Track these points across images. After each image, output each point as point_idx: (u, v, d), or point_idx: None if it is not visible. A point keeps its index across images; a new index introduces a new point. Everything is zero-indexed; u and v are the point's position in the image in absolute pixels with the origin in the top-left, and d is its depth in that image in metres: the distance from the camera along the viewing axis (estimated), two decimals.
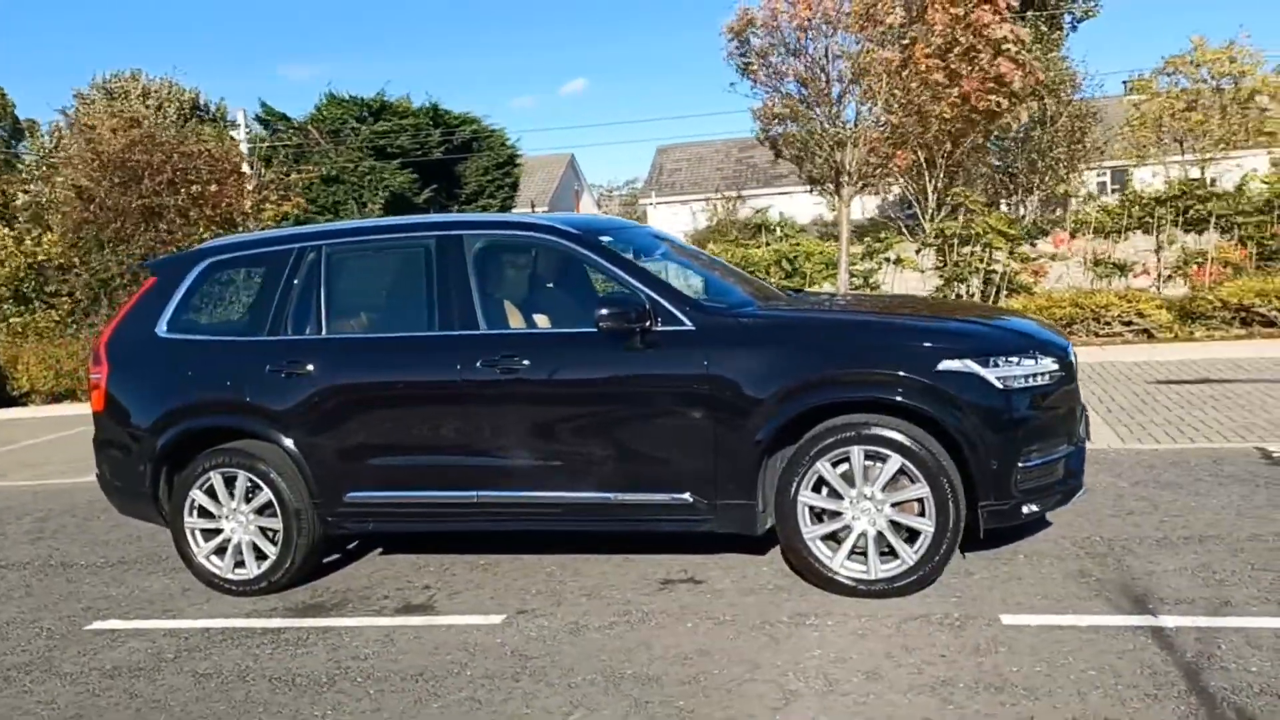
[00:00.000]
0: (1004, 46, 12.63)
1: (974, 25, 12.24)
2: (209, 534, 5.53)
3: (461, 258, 5.22)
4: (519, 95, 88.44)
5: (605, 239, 5.27)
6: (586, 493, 4.96)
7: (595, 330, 4.89)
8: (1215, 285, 13.05)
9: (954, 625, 4.28)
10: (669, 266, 5.86)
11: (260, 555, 5.46)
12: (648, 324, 4.79)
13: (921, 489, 4.50)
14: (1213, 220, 13.74)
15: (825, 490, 4.65)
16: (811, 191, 17.81)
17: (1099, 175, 33.63)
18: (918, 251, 15.21)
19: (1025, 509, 4.57)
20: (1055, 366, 4.66)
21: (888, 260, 15.30)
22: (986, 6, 12.32)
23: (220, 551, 5.52)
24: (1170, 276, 14.26)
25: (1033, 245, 15.29)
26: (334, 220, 24.86)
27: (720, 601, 4.78)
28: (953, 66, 12.49)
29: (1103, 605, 4.37)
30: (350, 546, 6.19)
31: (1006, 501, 4.51)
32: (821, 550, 4.67)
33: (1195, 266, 14.10)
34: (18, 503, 8.66)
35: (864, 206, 37.14)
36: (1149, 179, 26.33)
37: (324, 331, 5.40)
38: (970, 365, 4.48)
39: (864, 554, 4.65)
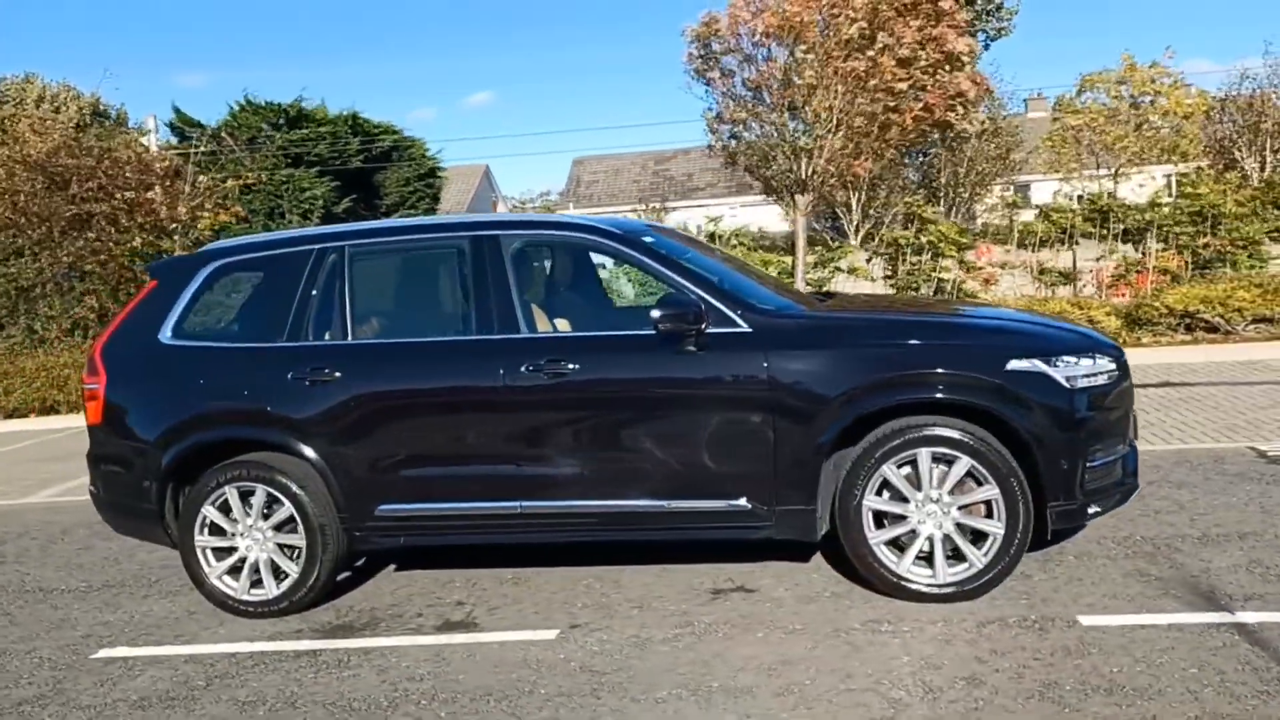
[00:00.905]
0: (962, 60, 12.88)
1: (938, 39, 12.44)
2: (221, 553, 5.20)
3: (500, 259, 5.00)
4: (419, 107, 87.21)
5: (648, 239, 5.12)
6: (638, 500, 4.79)
7: (647, 333, 4.74)
8: (1158, 292, 13.43)
9: (1034, 628, 4.22)
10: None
11: (279, 574, 5.14)
12: (703, 326, 4.65)
13: (991, 490, 4.44)
14: (1154, 230, 14.16)
15: (889, 494, 4.56)
16: (772, 201, 17.85)
17: (1002, 189, 34.56)
18: (869, 260, 15.36)
19: (1090, 509, 4.56)
20: (1112, 366, 4.66)
21: (839, 269, 15.41)
22: (945, 21, 12.54)
23: (234, 571, 5.19)
24: (1113, 284, 14.66)
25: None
26: (252, 231, 24.10)
27: (782, 610, 4.65)
28: (916, 79, 12.66)
29: (1175, 603, 4.37)
30: (359, 564, 5.89)
31: (1074, 502, 4.49)
32: (887, 555, 4.58)
33: (1137, 274, 14.51)
34: None
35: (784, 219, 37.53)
36: (1047, 195, 27.21)
37: (349, 336, 5.13)
38: (1038, 365, 4.45)
39: (928, 558, 4.57)
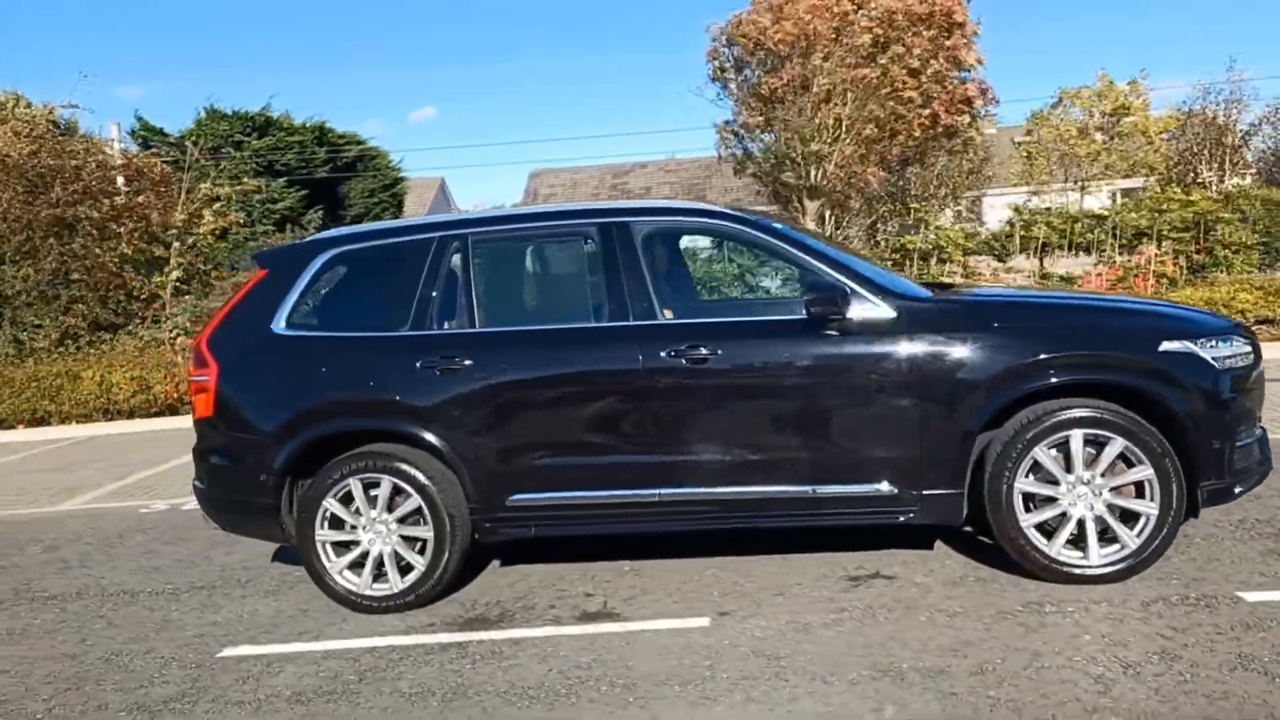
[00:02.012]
0: (970, 69, 13.10)
1: (952, 48, 12.63)
2: (341, 547, 5.07)
3: (631, 245, 4.95)
4: (363, 119, 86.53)
5: (778, 226, 5.10)
6: (782, 486, 4.76)
7: (789, 318, 4.73)
8: (1159, 297, 13.73)
9: (1201, 605, 4.26)
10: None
11: (404, 568, 5.02)
12: (848, 310, 4.65)
13: (1145, 470, 4.48)
14: (1155, 235, 14.49)
15: (1039, 476, 4.58)
16: (779, 209, 17.98)
17: (955, 206, 35.10)
18: None
19: (1236, 489, 4.61)
20: (1249, 349, 4.74)
21: None
22: (958, 33, 12.75)
23: (355, 566, 5.06)
24: (1113, 288, 14.94)
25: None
26: (244, 238, 23.70)
27: (933, 595, 4.64)
28: (925, 87, 12.84)
29: None
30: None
31: (1223, 481, 4.54)
32: (1038, 538, 4.59)
33: (1135, 278, 14.82)
34: (1, 533, 7.79)
35: None
36: (1003, 210, 27.64)
37: (476, 325, 5.04)
38: (1189, 346, 4.51)
39: (1077, 540, 4.59)
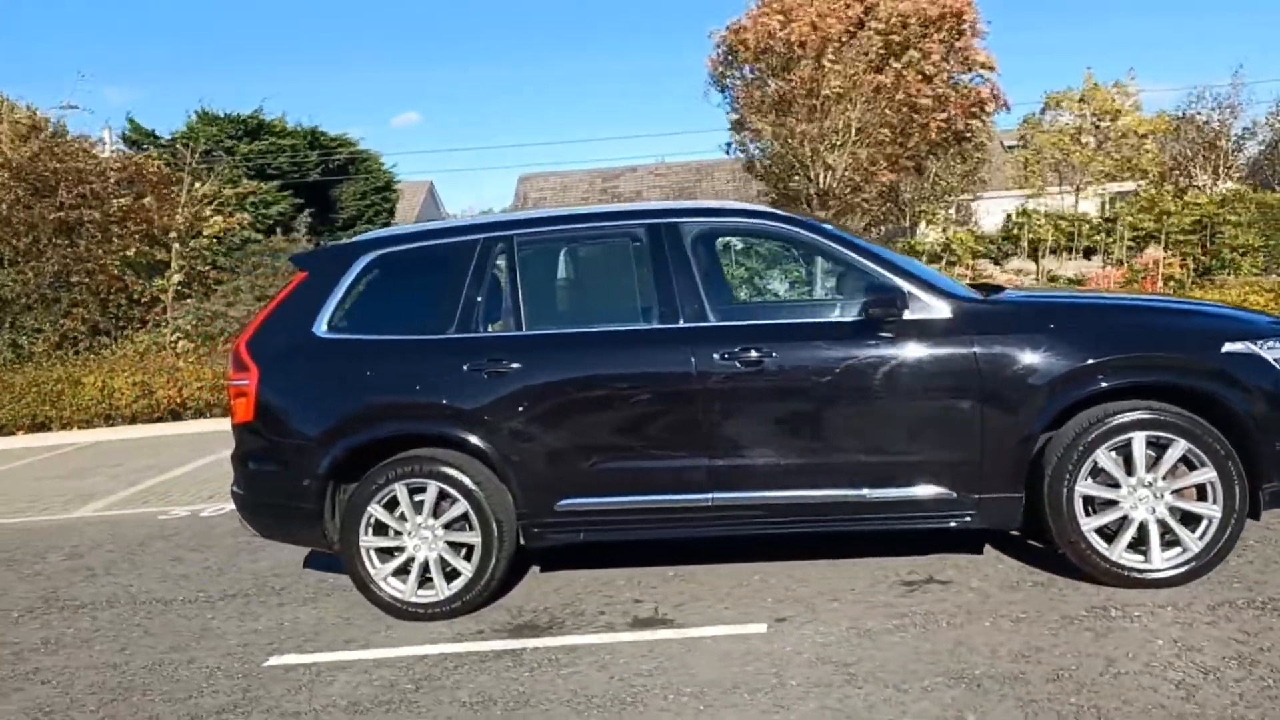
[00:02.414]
0: (983, 72, 13.10)
1: (964, 49, 12.62)
2: (385, 553, 4.98)
3: (680, 247, 4.89)
4: (347, 126, 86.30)
5: (828, 226, 5.05)
6: (837, 490, 4.70)
7: (845, 319, 4.68)
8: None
9: (1269, 609, 4.23)
10: None
11: (450, 574, 4.94)
12: (906, 311, 4.59)
13: (1208, 473, 4.43)
14: (1162, 238, 14.52)
15: (1100, 479, 4.53)
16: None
17: (947, 207, 35.22)
18: None
19: None
20: None
21: None
22: (969, 34, 12.73)
23: (400, 572, 4.97)
24: (1122, 288, 14.97)
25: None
26: (248, 240, 23.52)
27: (992, 600, 4.59)
28: (941, 92, 12.83)
29: None
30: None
31: None
32: (1099, 541, 4.54)
33: (1142, 280, 14.84)
34: (19, 540, 7.67)
35: None
36: (997, 213, 27.73)
37: (523, 327, 4.96)
38: (1252, 347, 4.47)
39: (1138, 543, 4.55)
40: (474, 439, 4.84)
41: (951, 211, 29.34)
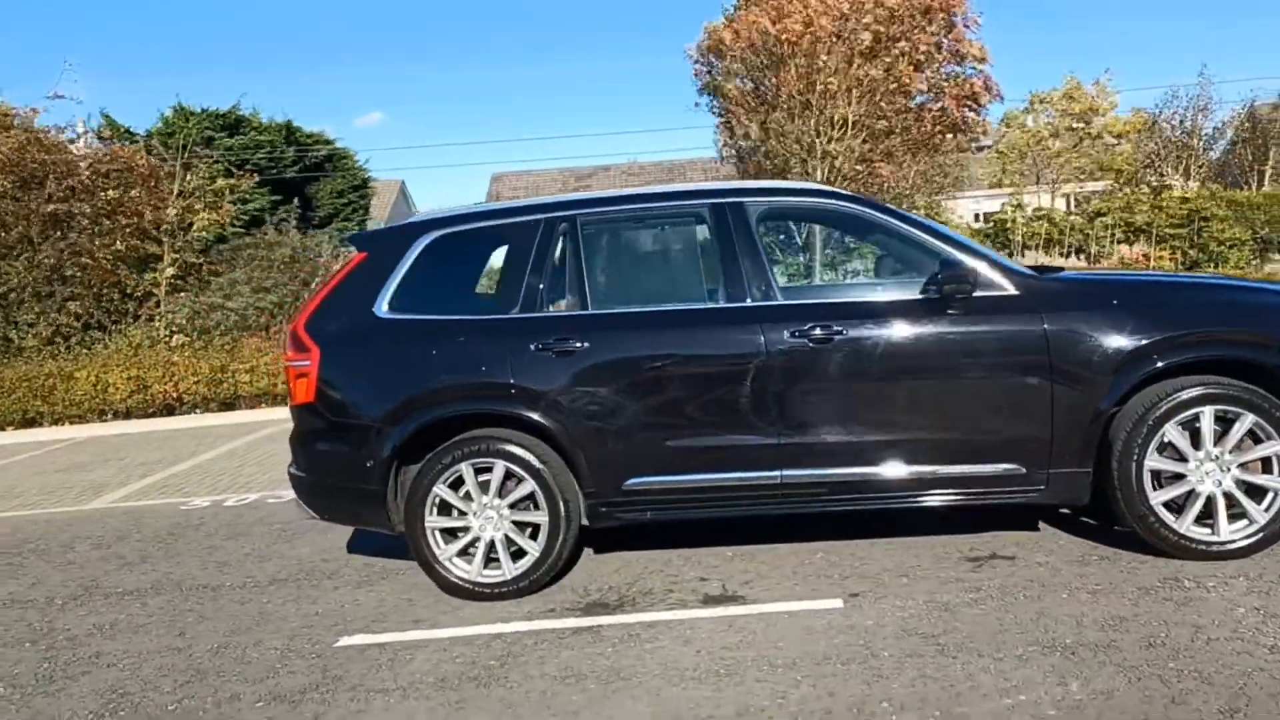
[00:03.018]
0: (975, 64, 13.22)
1: (955, 37, 12.73)
2: (449, 534, 4.96)
3: (747, 226, 4.91)
4: (312, 125, 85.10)
5: (890, 206, 5.08)
6: (907, 467, 4.73)
7: (914, 297, 4.72)
8: None
9: None
10: None
11: (515, 554, 4.93)
12: (976, 290, 4.64)
13: (1274, 446, 4.51)
14: (1153, 232, 14.73)
15: (1168, 454, 4.59)
16: None
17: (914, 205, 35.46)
18: None
19: None
20: None
21: None
22: (960, 22, 12.85)
23: (465, 552, 4.95)
24: None
25: None
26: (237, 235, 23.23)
27: (1064, 574, 4.63)
28: (935, 82, 12.94)
29: None
30: None
31: None
32: (1167, 515, 4.60)
33: None
34: (41, 532, 7.55)
35: None
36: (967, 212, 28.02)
37: (590, 307, 4.96)
38: None
39: (1206, 517, 4.61)
40: (541, 418, 4.83)
41: (919, 212, 29.54)
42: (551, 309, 4.98)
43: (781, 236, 5.70)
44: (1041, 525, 5.37)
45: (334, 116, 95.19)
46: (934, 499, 4.81)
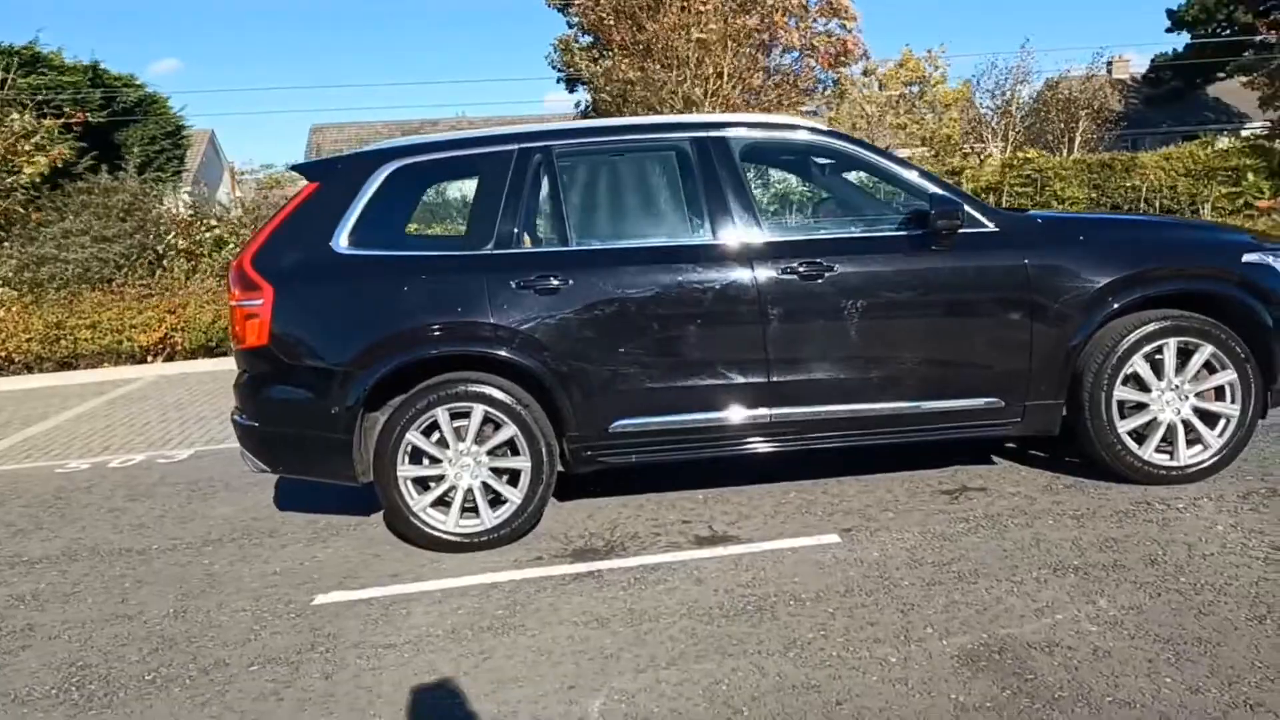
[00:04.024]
0: (844, 21, 13.45)
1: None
2: (421, 484, 4.69)
3: (730, 159, 4.80)
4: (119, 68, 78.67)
5: (872, 144, 5.07)
6: (893, 403, 4.77)
7: (901, 233, 4.75)
8: None
9: None
10: None
11: (495, 500, 4.71)
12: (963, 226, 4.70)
13: (1229, 375, 4.78)
14: (1003, 191, 15.46)
15: (1134, 384, 4.80)
16: None
17: None
18: None
19: None
20: None
21: None
22: None
23: (439, 502, 4.70)
24: None
25: None
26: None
27: (1040, 502, 4.79)
28: (811, 37, 13.09)
29: None
30: None
31: None
32: (1131, 443, 4.82)
33: None
34: None
35: None
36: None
37: (571, 242, 4.75)
38: (1265, 257, 4.83)
39: (1166, 444, 4.85)
40: (523, 360, 4.61)
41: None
42: (528, 244, 4.74)
43: (761, 171, 5.62)
44: (995, 459, 5.54)
45: (129, 61, 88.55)
46: (916, 434, 4.87)
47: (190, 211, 15.17)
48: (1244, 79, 34.71)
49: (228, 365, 12.44)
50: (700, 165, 4.78)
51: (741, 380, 4.70)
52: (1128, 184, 17.81)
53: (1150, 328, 4.73)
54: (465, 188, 5.51)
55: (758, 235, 4.72)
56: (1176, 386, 4.81)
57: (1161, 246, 4.92)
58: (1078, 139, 32.18)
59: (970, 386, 4.78)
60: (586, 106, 32.39)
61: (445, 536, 4.66)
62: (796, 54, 13.51)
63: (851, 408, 4.75)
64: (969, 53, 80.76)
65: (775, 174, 5.64)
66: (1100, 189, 17.65)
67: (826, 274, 4.65)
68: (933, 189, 4.77)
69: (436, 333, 4.60)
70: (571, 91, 29.90)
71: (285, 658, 3.74)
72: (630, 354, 4.65)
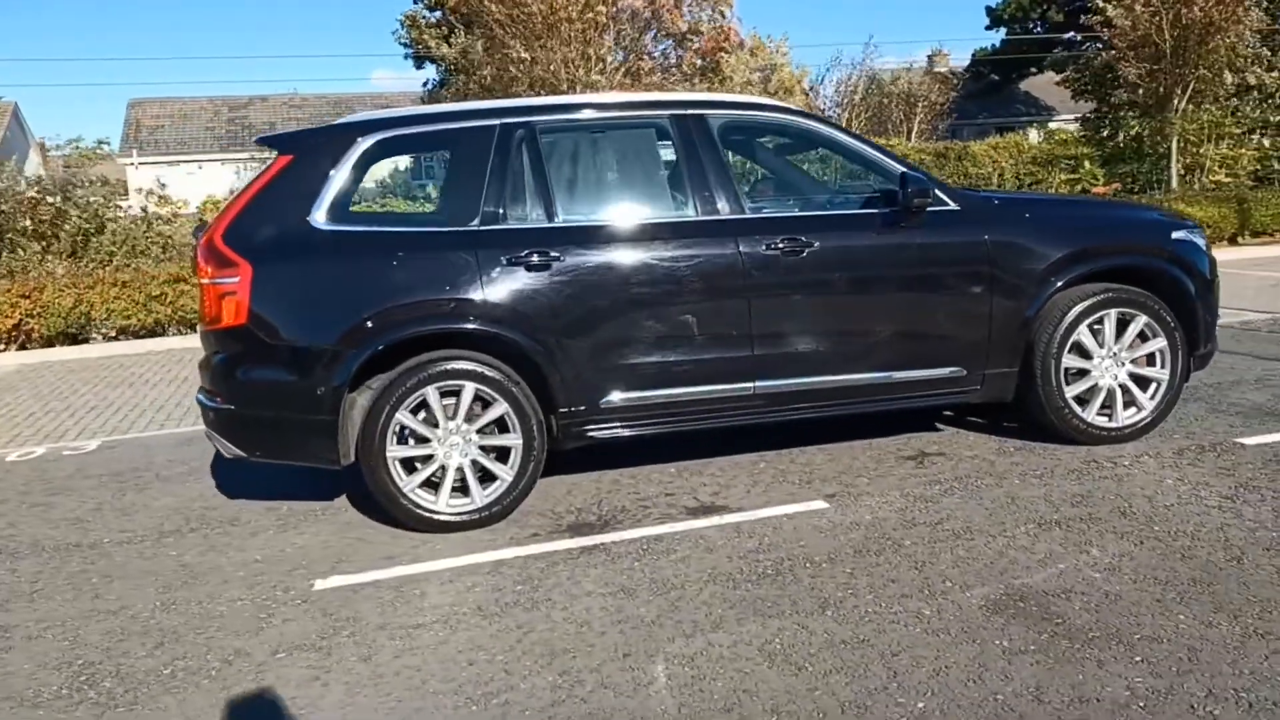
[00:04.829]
0: (721, 8, 13.68)
1: None
2: (409, 464, 4.63)
3: (710, 137, 4.91)
4: None
5: (840, 125, 5.27)
6: (867, 373, 5.00)
7: (877, 211, 4.97)
8: None
9: (1223, 450, 5.07)
10: None
11: (485, 478, 4.70)
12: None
13: (1160, 342, 5.21)
14: None
15: (1078, 353, 5.18)
16: None
17: None
18: None
19: (1212, 355, 5.49)
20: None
21: None
22: None
23: (428, 482, 4.65)
24: None
25: None
26: None
27: (1000, 464, 5.11)
28: (696, 22, 13.26)
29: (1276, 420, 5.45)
30: None
31: (1207, 349, 5.39)
32: (1076, 407, 5.20)
33: None
34: None
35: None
36: None
37: (557, 219, 4.76)
38: (1190, 235, 5.30)
39: (1106, 407, 5.26)
40: (514, 336, 4.60)
41: None
42: (518, 221, 4.71)
43: (737, 149, 5.75)
44: (940, 426, 5.86)
45: None
46: (887, 403, 5.12)
47: (35, 191, 14.13)
48: (1059, 76, 37.27)
49: (96, 352, 11.79)
50: (682, 143, 4.87)
51: (728, 354, 4.82)
52: (961, 171, 18.96)
53: (1094, 300, 5.10)
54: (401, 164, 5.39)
55: (738, 213, 4.84)
56: (1115, 354, 5.21)
57: (1105, 225, 5.32)
58: (915, 129, 33.77)
59: (937, 357, 5.05)
60: (434, 85, 31.76)
61: (437, 517, 4.61)
62: (671, 42, 13.68)
63: (830, 379, 4.95)
64: (816, 44, 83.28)
65: (747, 153, 5.74)
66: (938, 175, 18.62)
67: (807, 250, 4.82)
68: (901, 169, 5.00)
69: (429, 309, 4.54)
70: (419, 69, 29.42)
71: (311, 643, 3.64)
72: (620, 329, 4.71)
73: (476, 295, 4.54)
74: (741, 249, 4.76)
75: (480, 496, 4.64)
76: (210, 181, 34.86)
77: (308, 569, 4.37)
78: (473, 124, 4.79)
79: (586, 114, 5.01)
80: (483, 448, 4.66)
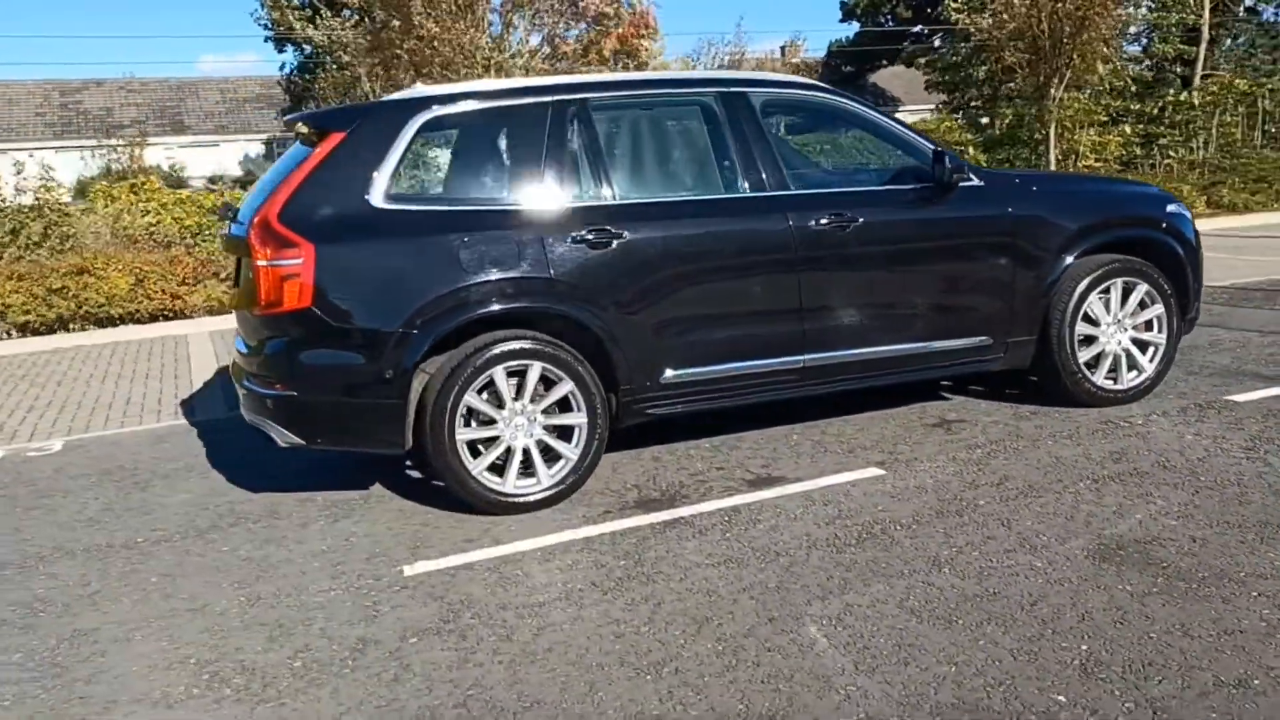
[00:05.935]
0: None
1: None
2: (476, 446, 4.58)
3: (755, 115, 5.01)
4: None
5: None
6: (909, 344, 5.19)
7: (916, 186, 5.16)
8: None
9: (1217, 410, 5.47)
10: None
11: (551, 458, 4.68)
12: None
13: (1158, 309, 5.59)
14: None
15: (1087, 320, 5.51)
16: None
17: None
18: None
19: (1194, 324, 5.91)
20: None
21: None
22: None
23: (495, 463, 4.61)
24: None
25: None
26: None
27: (1023, 428, 5.37)
28: (617, 7, 13.24)
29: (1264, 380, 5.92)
30: None
31: (1194, 314, 5.81)
32: (1088, 372, 5.53)
33: None
34: None
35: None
36: None
37: (616, 196, 4.77)
38: (1180, 208, 5.70)
39: (1112, 371, 5.61)
40: (581, 314, 4.60)
41: None
42: (579, 199, 4.70)
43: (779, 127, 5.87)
44: (946, 395, 6.12)
45: None
46: (923, 372, 5.34)
47: None
48: (907, 68, 38.86)
49: (8, 349, 11.00)
50: (729, 121, 4.94)
51: (780, 328, 4.93)
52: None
53: (1103, 270, 5.43)
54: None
55: (784, 189, 4.95)
56: (1119, 320, 5.55)
57: (1114, 198, 5.67)
58: None
59: (968, 327, 5.28)
60: (292, 69, 30.79)
61: (507, 499, 4.57)
62: (585, 26, 13.65)
63: (873, 350, 5.13)
64: (688, 32, 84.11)
65: (789, 132, 5.85)
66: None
67: (851, 225, 4.97)
68: (932, 147, 5.20)
69: (497, 289, 4.48)
70: (280, 51, 28.57)
71: (436, 627, 3.58)
72: (681, 306, 4.76)
73: (547, 273, 4.52)
74: (792, 224, 4.87)
75: (546, 476, 4.62)
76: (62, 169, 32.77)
77: (387, 556, 4.27)
78: (526, 100, 4.74)
79: (638, 91, 5.03)
80: (547, 427, 4.63)
